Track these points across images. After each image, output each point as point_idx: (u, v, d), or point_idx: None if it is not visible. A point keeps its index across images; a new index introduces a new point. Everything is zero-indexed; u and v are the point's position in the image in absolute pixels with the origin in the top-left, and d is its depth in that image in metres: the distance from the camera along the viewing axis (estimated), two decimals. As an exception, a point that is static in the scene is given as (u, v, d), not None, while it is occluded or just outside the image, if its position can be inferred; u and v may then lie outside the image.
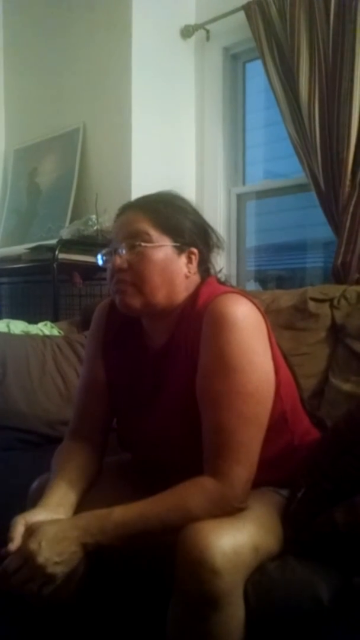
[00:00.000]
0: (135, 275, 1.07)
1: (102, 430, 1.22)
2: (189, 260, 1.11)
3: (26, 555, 0.93)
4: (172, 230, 1.09)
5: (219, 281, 1.17)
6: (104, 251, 1.14)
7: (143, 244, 1.06)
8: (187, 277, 1.10)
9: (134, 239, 1.07)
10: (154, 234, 1.07)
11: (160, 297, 1.08)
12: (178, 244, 1.09)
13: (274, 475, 1.10)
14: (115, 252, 1.08)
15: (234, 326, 1.00)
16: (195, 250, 1.11)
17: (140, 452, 1.23)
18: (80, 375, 1.31)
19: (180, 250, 1.09)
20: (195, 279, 1.13)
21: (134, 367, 1.18)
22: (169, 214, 1.10)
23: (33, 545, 0.93)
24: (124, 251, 1.07)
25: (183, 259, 1.10)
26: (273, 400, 1.05)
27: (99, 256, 1.15)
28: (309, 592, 0.93)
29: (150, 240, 1.07)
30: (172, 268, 1.08)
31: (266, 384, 1.03)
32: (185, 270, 1.10)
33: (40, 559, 0.92)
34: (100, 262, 1.14)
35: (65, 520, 1.01)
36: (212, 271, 1.18)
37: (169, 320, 1.12)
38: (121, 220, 1.12)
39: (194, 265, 1.11)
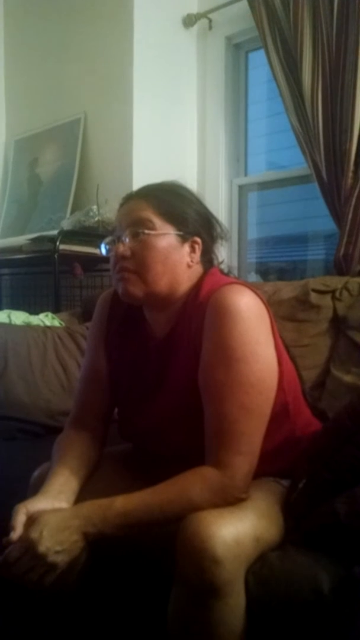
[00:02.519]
0: (138, 263, 1.06)
1: (103, 420, 1.22)
2: (192, 250, 1.10)
3: (27, 544, 0.93)
4: (175, 219, 1.08)
5: (222, 272, 1.17)
6: (107, 239, 1.13)
7: (146, 231, 1.06)
8: (189, 266, 1.10)
9: (137, 226, 1.07)
10: (158, 222, 1.07)
11: (162, 285, 1.08)
12: (181, 233, 1.09)
13: (275, 465, 1.10)
14: (118, 240, 1.08)
15: (237, 317, 1.00)
16: (198, 239, 1.11)
17: (142, 442, 1.23)
18: (82, 365, 1.31)
19: (183, 239, 1.09)
20: (198, 269, 1.13)
21: (136, 357, 1.18)
22: (172, 202, 1.09)
23: (34, 534, 0.93)
24: (127, 239, 1.07)
25: (186, 248, 1.10)
26: (275, 391, 1.04)
27: (102, 245, 1.14)
28: (310, 582, 0.93)
29: (153, 228, 1.06)
30: (174, 257, 1.08)
31: (269, 375, 1.03)
32: (187, 259, 1.10)
33: (42, 548, 0.92)
34: (103, 251, 1.14)
35: (66, 510, 1.01)
36: (215, 262, 1.17)
37: (171, 310, 1.12)
38: (125, 209, 1.12)
39: (196, 255, 1.11)
